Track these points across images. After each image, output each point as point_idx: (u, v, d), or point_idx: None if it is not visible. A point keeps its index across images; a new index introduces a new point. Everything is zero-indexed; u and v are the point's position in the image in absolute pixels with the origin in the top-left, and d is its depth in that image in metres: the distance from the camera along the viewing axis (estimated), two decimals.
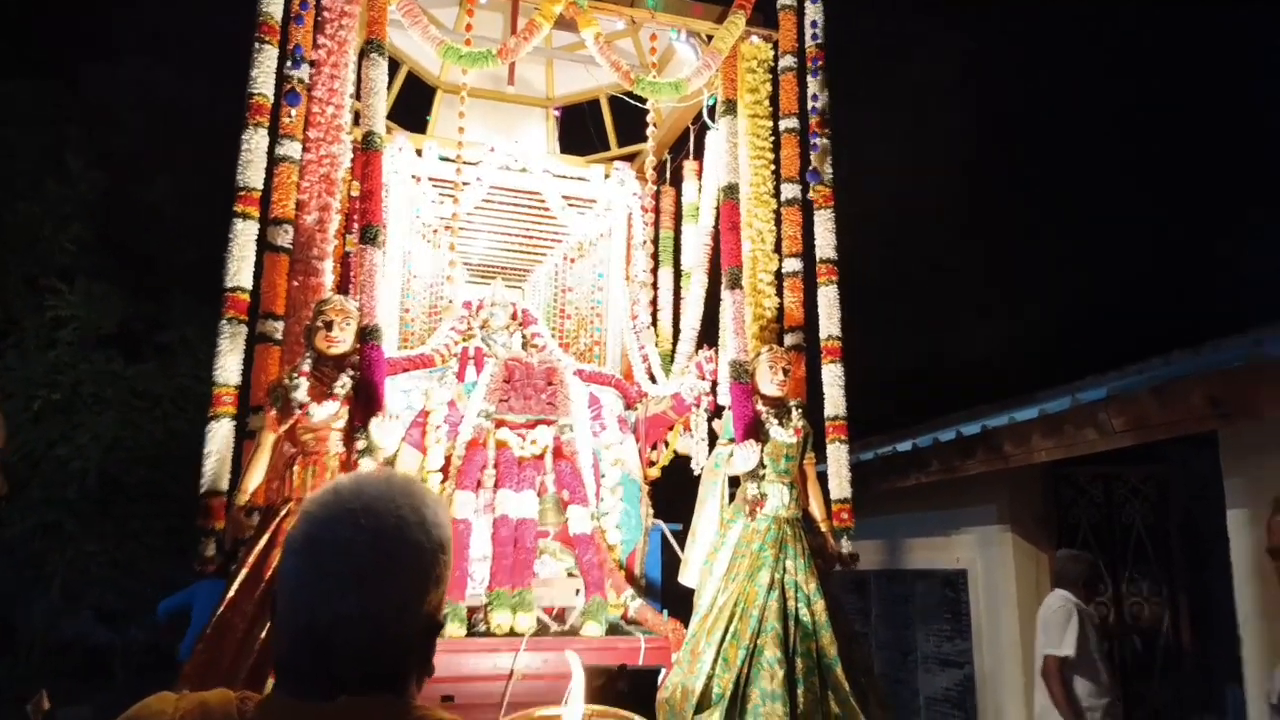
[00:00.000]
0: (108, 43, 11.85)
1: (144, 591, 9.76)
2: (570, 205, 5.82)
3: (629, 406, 5.48)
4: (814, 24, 4.99)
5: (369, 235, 4.19)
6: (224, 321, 4.03)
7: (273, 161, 4.24)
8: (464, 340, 5.34)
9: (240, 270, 4.06)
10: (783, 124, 5.01)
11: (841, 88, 5.22)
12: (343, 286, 5.18)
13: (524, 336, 5.56)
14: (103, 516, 9.56)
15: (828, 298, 4.74)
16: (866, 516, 5.76)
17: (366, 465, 3.80)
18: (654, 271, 6.06)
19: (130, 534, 9.63)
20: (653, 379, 5.43)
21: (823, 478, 4.63)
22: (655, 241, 6.11)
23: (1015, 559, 6.60)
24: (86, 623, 11.13)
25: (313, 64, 4.39)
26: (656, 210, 6.16)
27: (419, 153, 5.73)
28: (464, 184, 5.43)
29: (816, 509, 4.50)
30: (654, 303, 5.98)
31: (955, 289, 13.63)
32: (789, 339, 4.84)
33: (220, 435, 3.96)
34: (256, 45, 4.20)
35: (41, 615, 10.10)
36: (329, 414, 3.84)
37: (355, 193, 4.77)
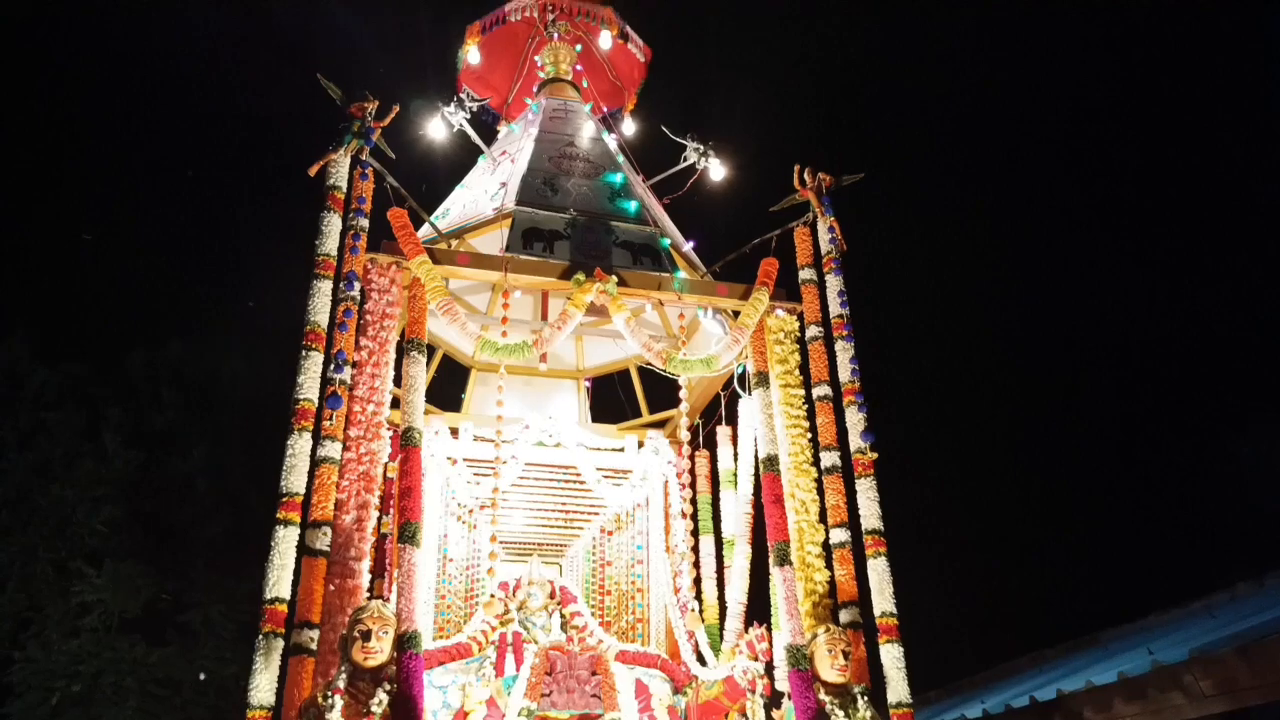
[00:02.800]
0: (150, 326, 12.47)
1: None
2: (605, 477, 5.78)
3: (678, 690, 5.14)
4: (841, 294, 5.13)
5: (408, 534, 4.12)
6: (261, 636, 3.86)
7: (313, 463, 4.23)
8: (501, 625, 5.12)
9: (280, 580, 3.95)
10: (815, 391, 5.04)
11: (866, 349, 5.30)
12: (378, 568, 5.05)
13: (563, 616, 5.32)
14: None
15: (878, 570, 4.55)
16: None
17: None
18: (694, 538, 5.90)
19: None
20: (701, 659, 5.13)
21: None
22: (694, 507, 5.99)
23: None
24: None
25: (354, 365, 4.49)
26: (694, 476, 6.10)
27: (454, 433, 5.77)
28: (501, 461, 5.42)
29: None
30: (696, 572, 5.77)
31: (1001, 525, 13.36)
32: (844, 615, 4.60)
33: None
34: (303, 353, 4.32)
35: None
36: None
37: (392, 474, 4.74)
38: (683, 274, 5.51)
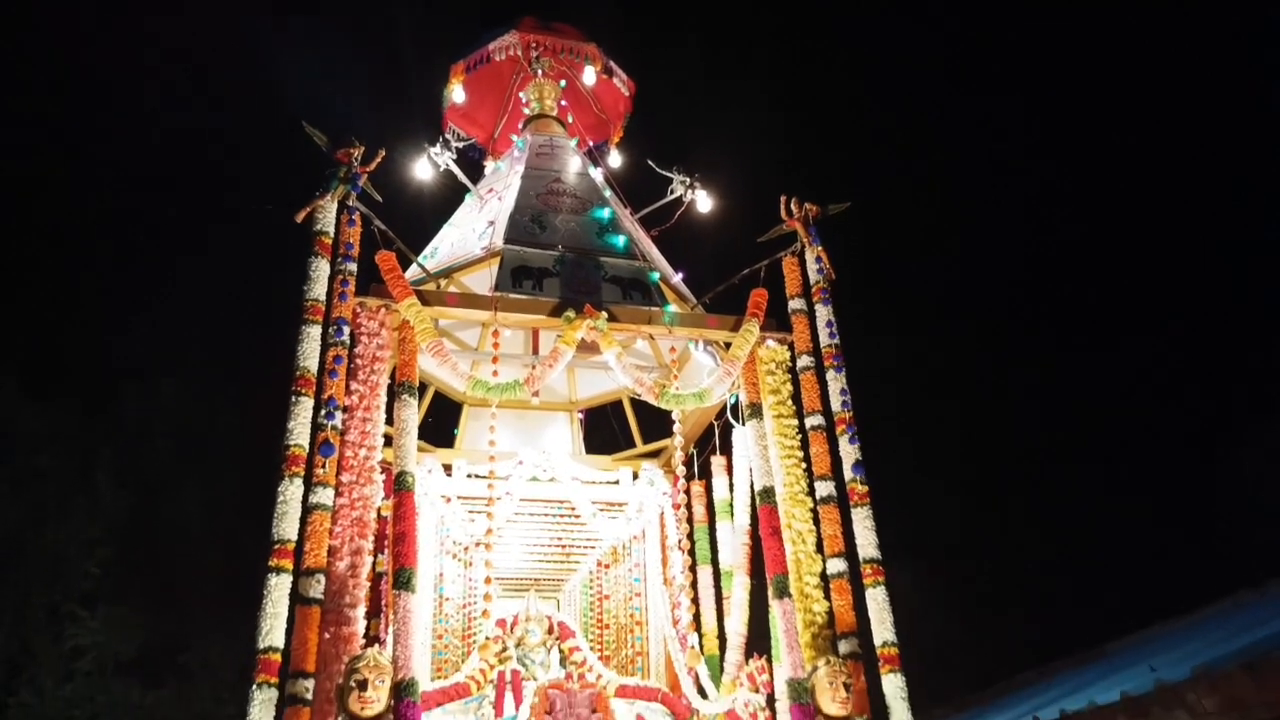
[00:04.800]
0: (140, 366, 12.42)
1: None
2: (601, 510, 5.76)
3: None
4: (830, 324, 5.15)
5: (403, 579, 4.10)
6: (255, 687, 3.83)
7: (305, 510, 4.21)
8: (499, 663, 5.08)
9: (273, 629, 3.92)
10: (808, 421, 5.03)
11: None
12: (373, 608, 5.01)
13: (562, 651, 5.29)
14: None
15: (877, 600, 4.54)
16: None
17: None
18: (692, 570, 5.88)
19: None
20: (702, 692, 5.10)
21: None
22: (691, 539, 5.98)
23: None
24: None
25: (346, 409, 4.48)
26: (690, 507, 6.08)
27: (448, 470, 5.75)
28: (495, 499, 5.40)
29: None
30: (695, 606, 5.74)
31: (1003, 538, 13.37)
32: (844, 646, 4.57)
33: None
34: (293, 399, 4.31)
35: None
36: None
37: (386, 512, 4.72)
38: (673, 307, 5.52)
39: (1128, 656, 7.45)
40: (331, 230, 4.68)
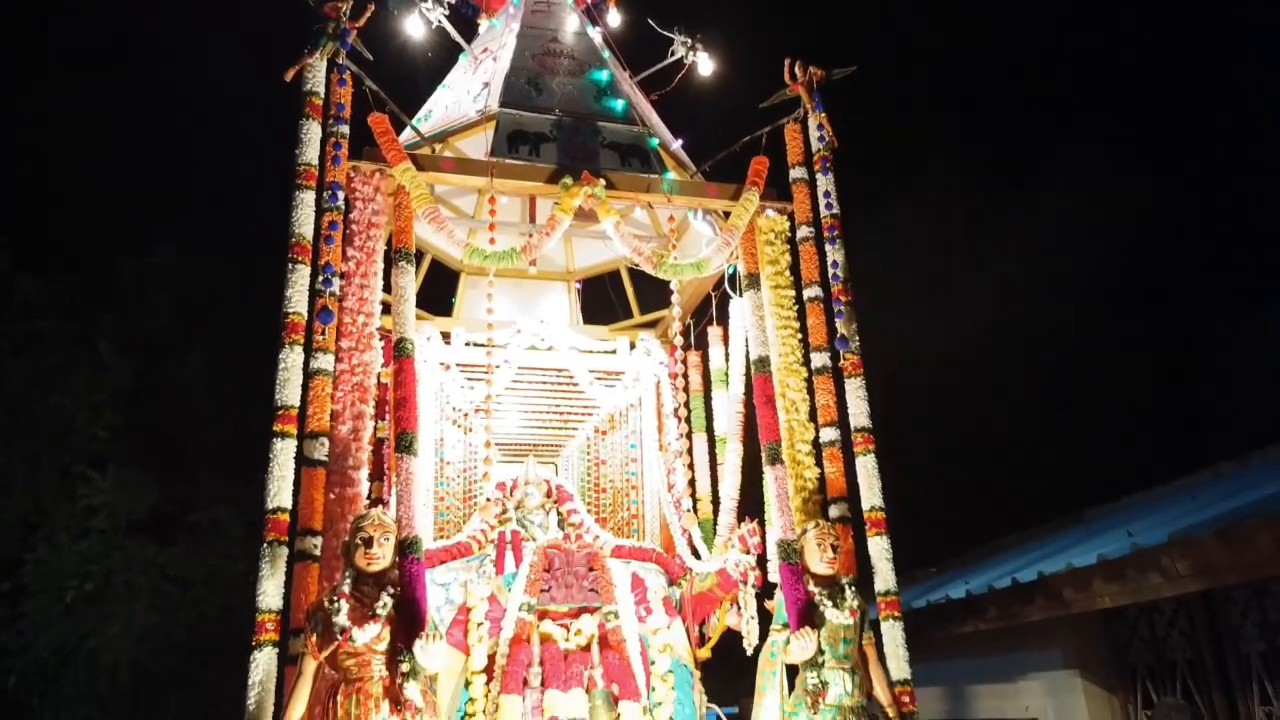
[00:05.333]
0: (138, 232, 12.31)
1: None
2: (598, 379, 5.82)
3: (673, 582, 5.33)
4: (827, 194, 5.08)
5: (404, 443, 4.18)
6: (265, 545, 3.97)
7: (307, 375, 4.27)
8: (500, 524, 5.25)
9: (280, 491, 4.04)
10: (806, 293, 5.04)
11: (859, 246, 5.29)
12: (376, 472, 5.16)
13: (560, 514, 5.47)
14: (135, 710, 9.32)
15: (866, 468, 4.66)
16: (924, 661, 5.50)
17: (411, 691, 3.66)
18: (688, 438, 6.00)
19: None
20: (695, 553, 5.30)
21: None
22: (687, 408, 6.07)
23: (1089, 707, 6.27)
24: None
25: (343, 276, 4.47)
26: (686, 377, 6.15)
27: (446, 338, 5.78)
28: (494, 367, 5.46)
29: (882, 693, 4.28)
30: (690, 471, 5.89)
31: (989, 407, 13.56)
32: (834, 510, 4.73)
33: (263, 665, 3.84)
34: (290, 266, 4.30)
35: None
36: (371, 636, 3.73)
37: (386, 380, 4.79)
38: (672, 175, 5.43)
39: (1107, 523, 7.71)
40: (322, 91, 4.55)
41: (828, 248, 5.03)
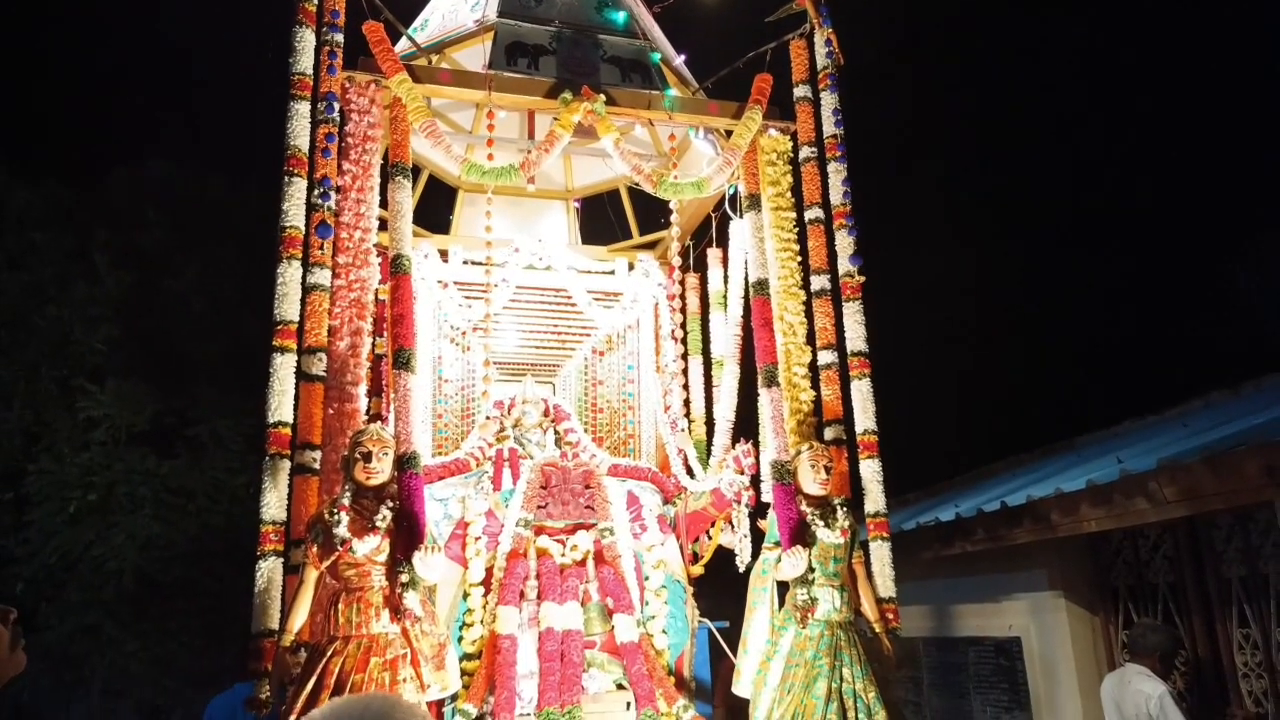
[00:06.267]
0: (130, 145, 12.13)
1: (184, 690, 9.73)
2: (596, 300, 5.82)
3: (667, 501, 5.41)
4: (836, 111, 4.99)
5: (402, 359, 4.19)
6: (267, 458, 4.02)
7: (305, 290, 4.25)
8: (498, 441, 5.31)
9: (280, 405, 4.07)
10: (807, 215, 5.00)
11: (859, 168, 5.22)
12: (375, 389, 5.19)
13: (557, 433, 5.52)
14: (140, 616, 9.55)
15: (861, 391, 4.69)
16: (911, 580, 5.65)
17: (411, 600, 3.75)
18: (684, 359, 6.02)
19: (168, 633, 9.61)
20: (690, 473, 5.37)
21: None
22: (684, 329, 6.08)
23: (1070, 626, 6.44)
24: (127, 718, 11.08)
25: (339, 190, 4.42)
26: (684, 299, 6.14)
27: (444, 256, 5.75)
28: (492, 285, 5.44)
29: (870, 609, 4.40)
30: (686, 392, 5.93)
31: (983, 334, 13.57)
32: (828, 432, 4.78)
33: (267, 574, 3.92)
34: (286, 179, 4.24)
35: (82, 717, 10.07)
36: (371, 548, 3.80)
37: (384, 297, 4.78)
38: (674, 92, 5.32)
39: (1098, 450, 7.79)
40: None
41: (832, 167, 4.96)
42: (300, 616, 3.84)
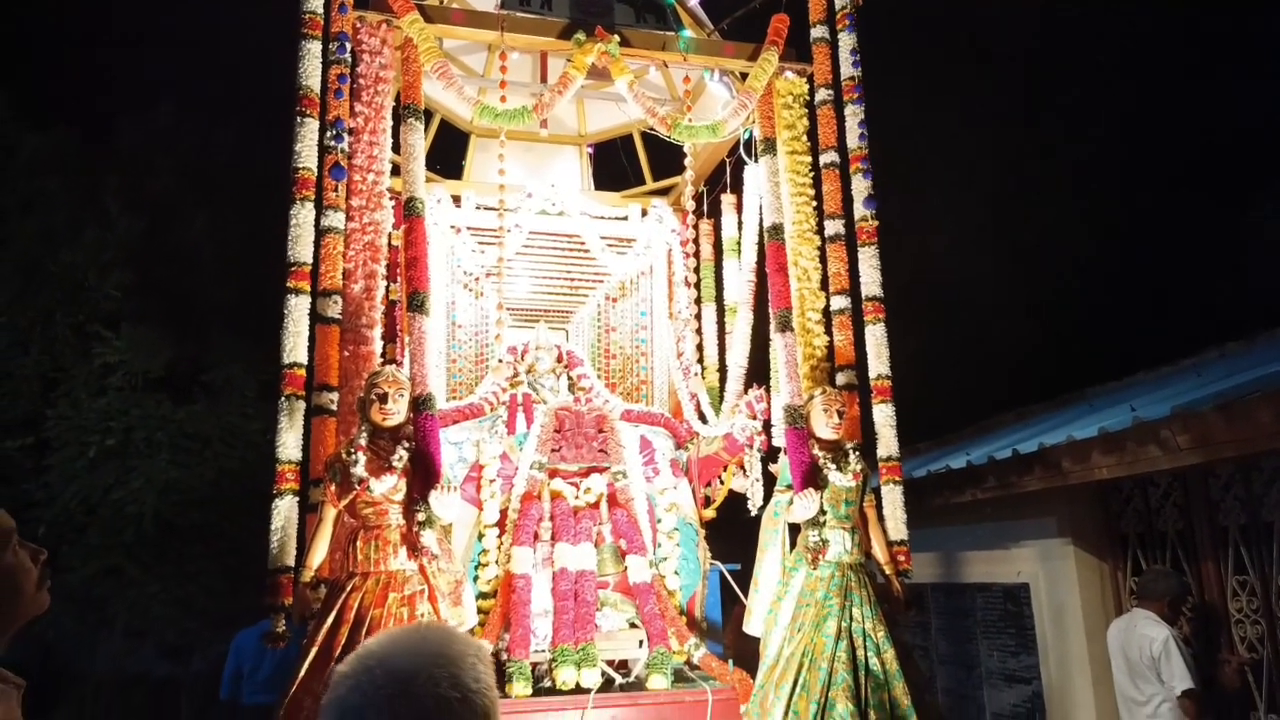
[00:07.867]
0: (138, 92, 12.02)
1: (204, 631, 9.94)
2: (609, 246, 5.80)
3: (680, 446, 5.45)
4: (854, 52, 4.91)
5: (416, 302, 4.20)
6: (283, 399, 4.06)
7: (318, 233, 4.26)
8: (511, 386, 5.34)
9: (296, 346, 4.10)
10: (822, 159, 4.95)
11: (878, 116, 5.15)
12: (389, 334, 5.21)
13: (571, 379, 5.55)
14: (160, 559, 9.72)
15: (875, 336, 4.68)
16: (921, 527, 5.69)
17: (428, 538, 3.81)
18: (697, 304, 6.02)
19: (188, 575, 9.79)
20: (703, 418, 5.40)
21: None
22: (698, 275, 6.06)
23: (1079, 572, 6.49)
24: (149, 658, 11.34)
25: (351, 132, 4.40)
26: (697, 244, 6.12)
27: (457, 201, 5.73)
28: (505, 230, 5.43)
29: (880, 552, 4.45)
30: (699, 338, 5.93)
31: (998, 286, 13.45)
32: (841, 378, 4.78)
33: (284, 512, 3.98)
34: (298, 119, 4.22)
35: (106, 657, 10.30)
36: (388, 488, 3.85)
37: (397, 242, 4.78)
38: (688, 33, 5.24)
39: (1111, 399, 7.78)
40: None
41: (851, 110, 4.89)
42: (320, 553, 3.91)
